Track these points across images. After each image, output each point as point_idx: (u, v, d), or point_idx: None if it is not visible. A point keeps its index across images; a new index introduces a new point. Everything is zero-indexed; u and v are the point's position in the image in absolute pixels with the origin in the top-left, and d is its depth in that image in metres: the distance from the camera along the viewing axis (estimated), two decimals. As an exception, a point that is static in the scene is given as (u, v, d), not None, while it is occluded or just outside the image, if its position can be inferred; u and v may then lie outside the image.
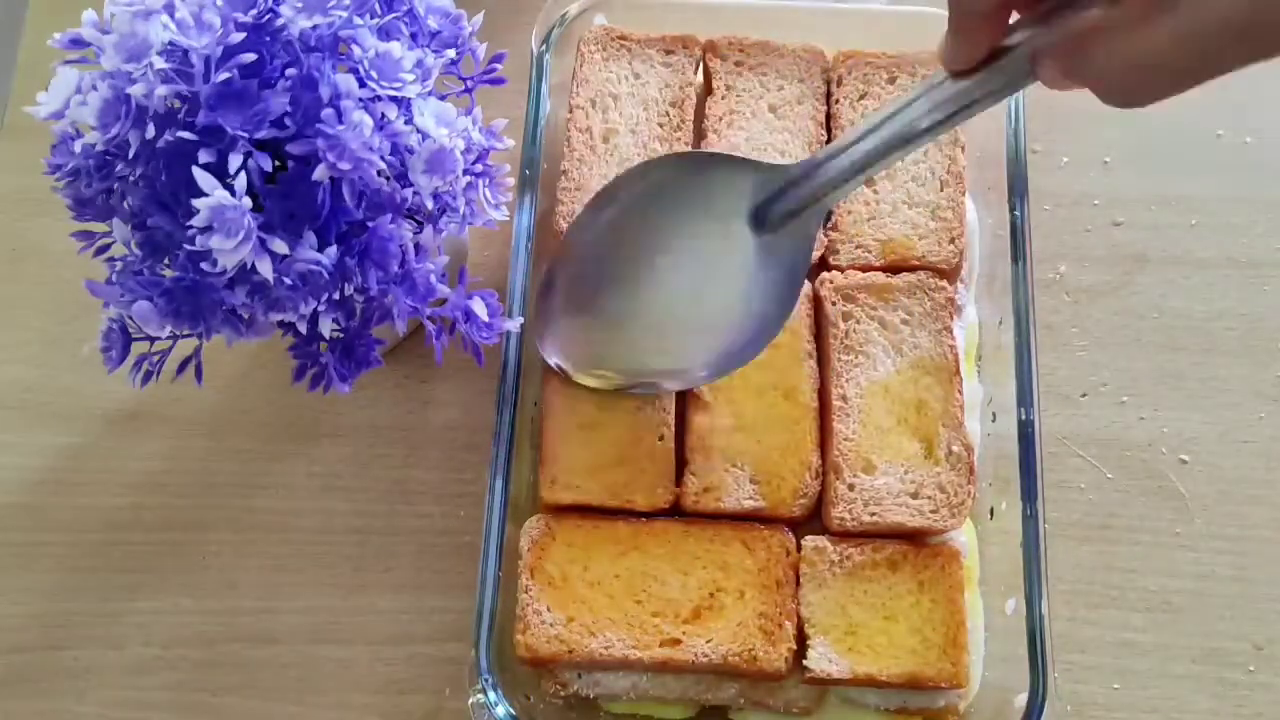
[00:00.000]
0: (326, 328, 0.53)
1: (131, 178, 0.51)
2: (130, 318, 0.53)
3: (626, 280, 0.60)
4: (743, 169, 0.56)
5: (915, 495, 0.61)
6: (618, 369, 0.62)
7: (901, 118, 0.49)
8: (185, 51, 0.48)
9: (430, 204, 0.54)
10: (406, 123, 0.52)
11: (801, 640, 0.60)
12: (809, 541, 0.62)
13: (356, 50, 0.51)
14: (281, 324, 0.54)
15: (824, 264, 0.67)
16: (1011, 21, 0.44)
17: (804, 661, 0.59)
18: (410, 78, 0.51)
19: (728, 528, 0.62)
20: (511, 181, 0.59)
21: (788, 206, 0.55)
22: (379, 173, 0.51)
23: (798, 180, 0.54)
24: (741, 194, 0.56)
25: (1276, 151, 0.77)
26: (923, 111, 0.48)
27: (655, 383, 0.62)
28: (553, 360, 0.63)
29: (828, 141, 0.69)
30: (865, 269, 0.66)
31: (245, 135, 0.48)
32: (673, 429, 0.63)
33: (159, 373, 0.56)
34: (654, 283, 0.59)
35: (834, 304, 0.65)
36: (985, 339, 0.67)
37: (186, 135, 0.48)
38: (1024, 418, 0.62)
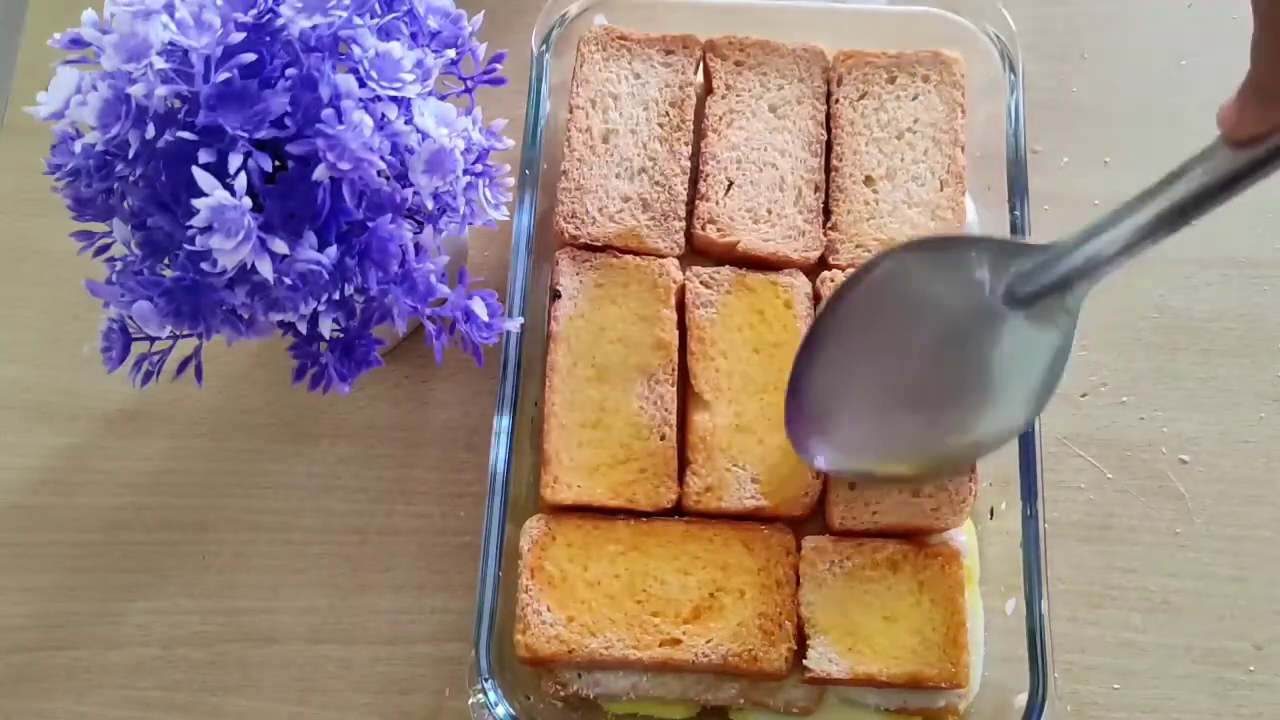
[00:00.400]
0: (326, 328, 0.53)
1: (131, 178, 0.51)
2: (130, 318, 0.52)
3: (894, 367, 0.58)
4: (994, 249, 0.56)
5: (916, 494, 0.61)
6: (915, 454, 0.60)
7: (1169, 193, 0.47)
8: (185, 51, 0.48)
9: (430, 204, 0.54)
10: (406, 123, 0.52)
11: (801, 640, 0.60)
12: (809, 541, 0.62)
13: (356, 50, 0.51)
14: (281, 324, 0.54)
15: (824, 264, 0.67)
16: None
17: (804, 661, 0.59)
18: (410, 78, 0.51)
19: (728, 527, 0.62)
20: (511, 181, 0.59)
21: (1046, 282, 0.54)
22: (379, 173, 0.51)
23: (1057, 259, 0.53)
24: (995, 272, 0.55)
25: (1276, 151, 0.77)
26: (1200, 181, 0.46)
27: (953, 459, 0.60)
28: (833, 462, 0.60)
29: (828, 142, 0.69)
30: (865, 269, 0.66)
31: (245, 135, 0.48)
32: (674, 428, 0.63)
33: (159, 373, 0.56)
34: (924, 365, 0.58)
35: (834, 304, 0.65)
36: (985, 339, 0.67)
37: (186, 135, 0.48)
38: (1024, 418, 0.62)
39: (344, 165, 0.49)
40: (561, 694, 0.61)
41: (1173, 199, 0.47)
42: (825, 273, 0.66)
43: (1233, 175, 0.44)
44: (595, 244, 0.66)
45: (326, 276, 0.51)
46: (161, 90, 0.47)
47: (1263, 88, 0.40)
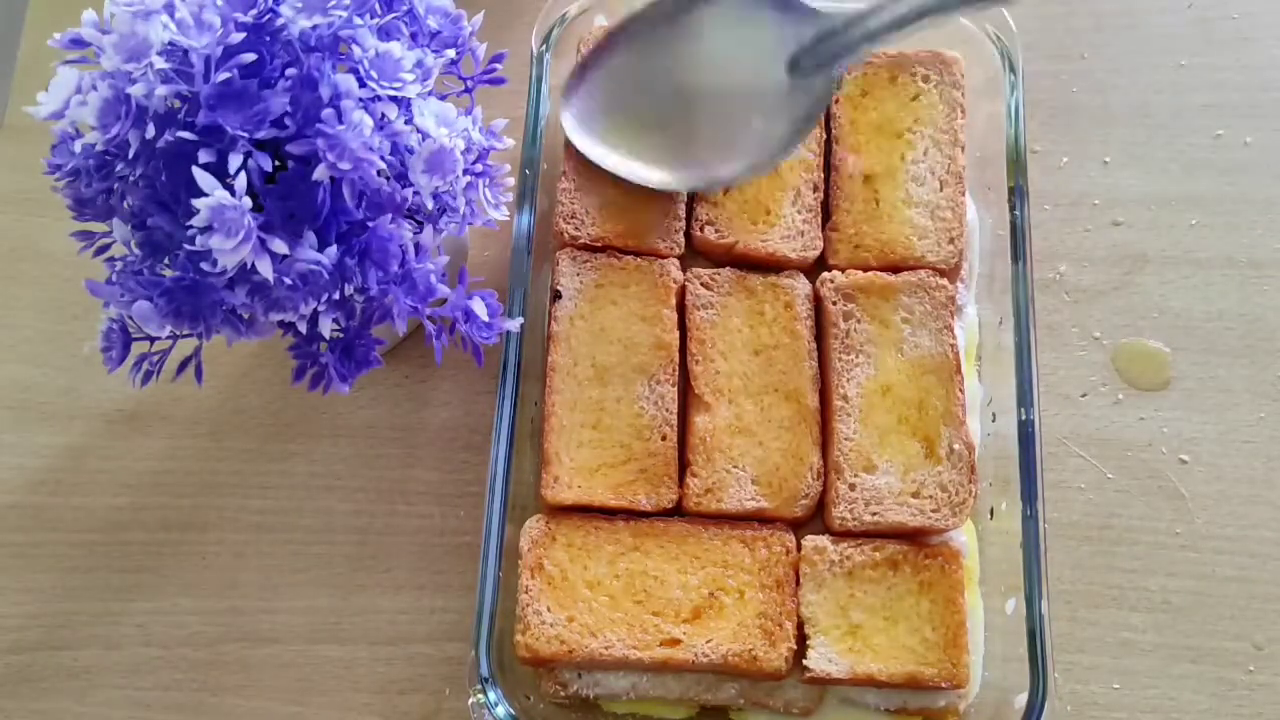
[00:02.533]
0: (326, 328, 0.53)
1: (131, 178, 0.51)
2: (130, 318, 0.53)
3: (663, 85, 0.65)
4: (792, 13, 0.61)
5: (916, 495, 0.61)
6: (633, 151, 0.65)
7: None
8: (185, 51, 0.48)
9: (430, 204, 0.54)
10: (406, 123, 0.52)
11: (801, 640, 0.60)
12: (809, 541, 0.62)
13: (356, 50, 0.51)
14: (281, 324, 0.54)
15: (824, 264, 0.67)
16: None
17: (804, 661, 0.59)
18: (410, 78, 0.51)
19: (728, 527, 0.62)
20: (511, 181, 0.59)
21: (825, 53, 0.60)
22: (379, 173, 0.51)
23: (837, 30, 0.59)
24: (785, 38, 0.61)
25: (1276, 151, 0.77)
26: None
27: (662, 175, 0.65)
28: (573, 123, 0.65)
29: (828, 141, 0.69)
30: (866, 269, 0.66)
31: (245, 135, 0.48)
32: (675, 429, 0.63)
33: (159, 373, 0.56)
34: (690, 94, 0.65)
35: (835, 304, 0.65)
36: (985, 339, 0.67)
37: (186, 135, 0.48)
38: (1024, 418, 0.62)
39: (344, 165, 0.49)
40: (561, 694, 0.61)
41: None
42: (826, 273, 0.66)
43: None
44: (595, 244, 0.66)
45: (326, 276, 0.51)
46: (161, 90, 0.47)
47: None
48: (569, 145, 0.66)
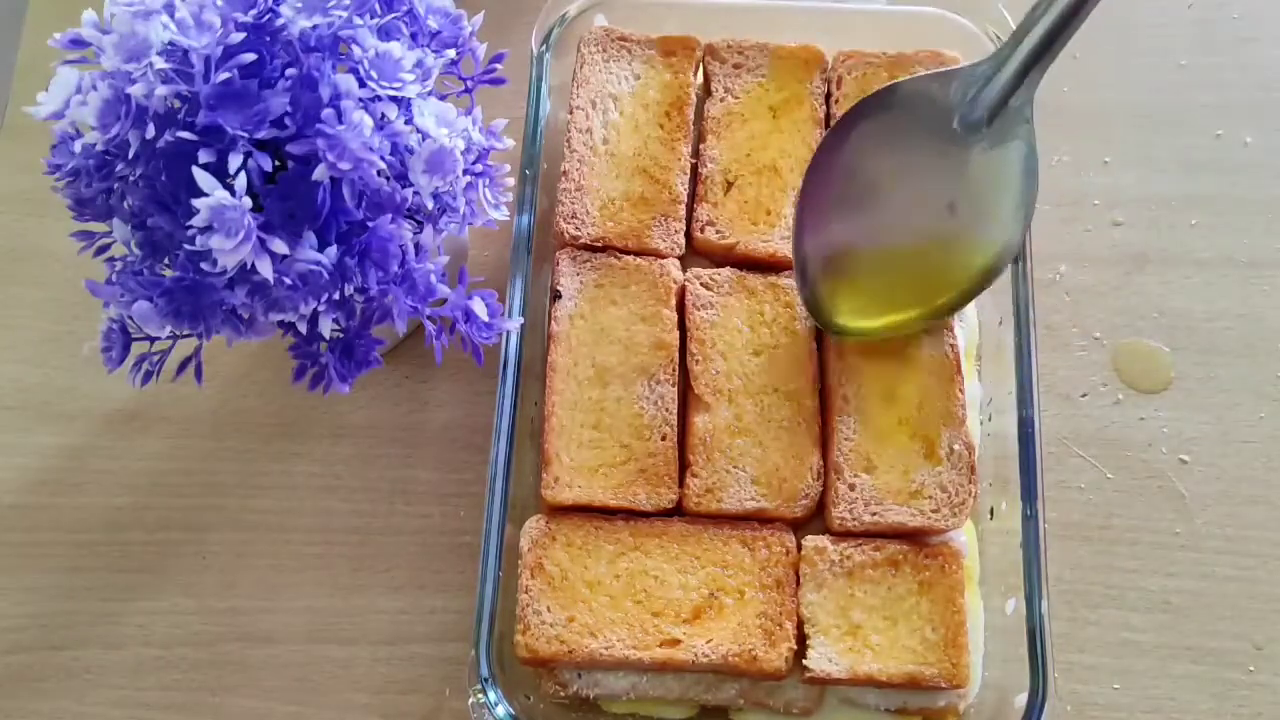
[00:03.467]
0: (326, 328, 0.53)
1: (131, 178, 0.51)
2: (130, 318, 0.53)
3: (876, 229, 0.62)
4: (936, 83, 0.59)
5: (916, 495, 0.61)
6: (910, 307, 0.63)
7: None
8: (185, 51, 0.48)
9: (430, 204, 0.54)
10: (406, 123, 0.52)
11: (801, 640, 0.60)
12: (809, 541, 0.62)
13: (356, 50, 0.51)
14: (281, 324, 0.54)
15: (824, 264, 0.67)
16: None
17: (804, 661, 0.59)
18: (410, 78, 0.51)
19: (728, 527, 0.62)
20: (511, 181, 0.59)
21: (991, 100, 0.58)
22: (379, 173, 0.51)
23: (992, 73, 0.57)
24: (944, 108, 0.59)
25: (1276, 151, 0.77)
26: None
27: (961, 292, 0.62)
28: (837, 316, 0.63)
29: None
30: (865, 269, 0.66)
31: (245, 135, 0.48)
32: (675, 429, 0.63)
33: (159, 373, 0.56)
34: (899, 220, 0.61)
35: (834, 304, 0.65)
36: (985, 339, 0.67)
37: (186, 135, 0.48)
38: (1024, 417, 0.62)
39: (344, 165, 0.49)
40: (561, 694, 0.61)
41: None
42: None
43: None
44: (595, 244, 0.66)
45: (326, 276, 0.51)
46: (161, 90, 0.47)
47: None
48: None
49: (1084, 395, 0.72)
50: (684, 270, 0.66)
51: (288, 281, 0.50)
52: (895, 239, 0.62)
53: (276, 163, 0.50)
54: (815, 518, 0.64)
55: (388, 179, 0.53)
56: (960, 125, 0.59)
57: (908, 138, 0.60)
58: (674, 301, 0.65)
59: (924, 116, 0.60)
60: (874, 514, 0.61)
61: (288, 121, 0.49)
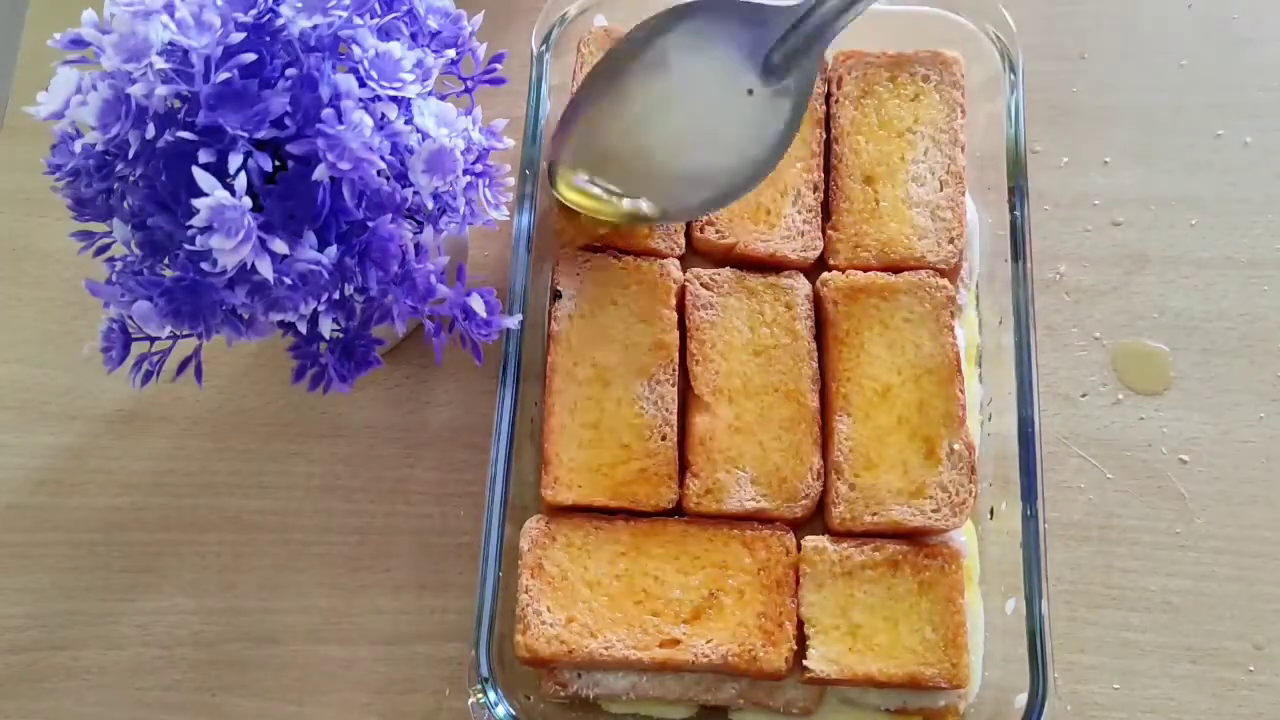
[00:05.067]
0: (326, 328, 0.53)
1: (131, 178, 0.51)
2: (130, 318, 0.53)
3: (641, 119, 0.63)
4: (749, 18, 0.61)
5: (916, 495, 0.61)
6: (616, 183, 0.64)
7: None
8: (185, 51, 0.48)
9: (430, 204, 0.54)
10: (406, 123, 0.52)
11: (801, 640, 0.60)
12: (809, 541, 0.62)
13: (356, 50, 0.51)
14: (281, 324, 0.54)
15: (824, 264, 0.67)
16: None
17: (804, 661, 0.59)
18: (410, 78, 0.51)
19: (728, 527, 0.62)
20: (511, 181, 0.59)
21: (795, 46, 0.60)
22: (379, 173, 0.51)
23: (801, 19, 0.60)
24: (753, 42, 0.61)
25: (1276, 151, 0.77)
26: None
27: (644, 211, 0.64)
28: (555, 160, 0.64)
29: (828, 141, 0.69)
30: (866, 269, 0.66)
31: (245, 135, 0.48)
32: (675, 429, 0.63)
33: (159, 373, 0.56)
34: (666, 124, 0.63)
35: (835, 304, 0.65)
36: (985, 339, 0.67)
37: (186, 135, 0.48)
38: (1024, 417, 0.62)
39: (344, 165, 0.49)
40: (561, 694, 0.61)
41: None
42: (826, 274, 0.66)
43: None
44: (595, 244, 0.66)
45: (326, 276, 0.51)
46: (161, 90, 0.47)
47: None
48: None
49: (1084, 395, 0.72)
50: (684, 270, 0.66)
51: (288, 281, 0.50)
52: (654, 136, 0.64)
53: (276, 163, 0.50)
54: (815, 518, 0.64)
55: (388, 179, 0.53)
56: (760, 68, 0.61)
57: (707, 58, 0.62)
58: (674, 301, 0.65)
59: (734, 40, 0.62)
60: (874, 514, 0.61)
61: (288, 121, 0.49)
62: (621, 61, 0.64)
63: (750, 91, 0.61)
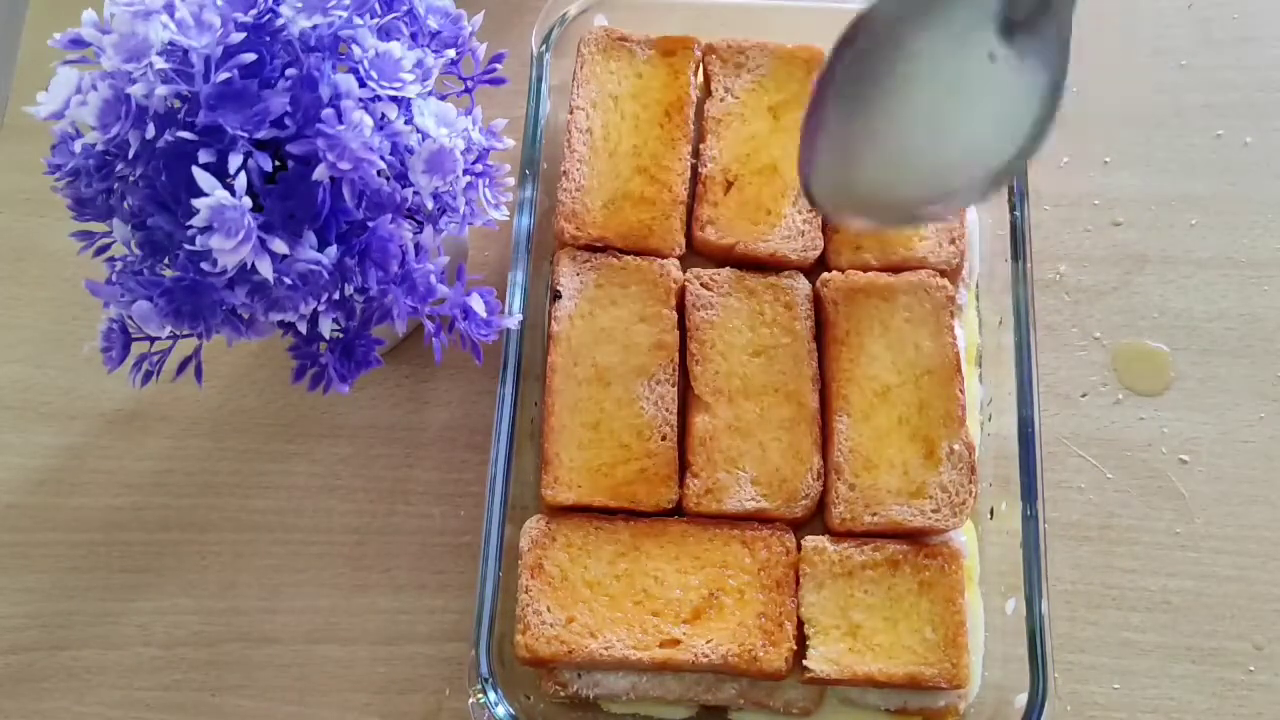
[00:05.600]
0: (326, 328, 0.53)
1: (131, 178, 0.51)
2: (130, 318, 0.52)
3: (891, 115, 0.56)
4: None
5: (917, 495, 0.61)
6: (894, 199, 0.58)
7: None
8: (185, 51, 0.48)
9: (430, 204, 0.54)
10: (406, 123, 0.52)
11: (801, 640, 0.60)
12: (809, 541, 0.62)
13: (356, 50, 0.51)
14: (281, 324, 0.54)
15: (823, 264, 0.67)
16: None
17: (804, 661, 0.59)
18: (410, 78, 0.51)
19: (728, 527, 0.62)
20: (511, 181, 0.59)
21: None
22: (379, 173, 0.51)
23: None
24: (981, 6, 0.53)
25: (1276, 151, 0.77)
26: None
27: (933, 209, 0.60)
28: (811, 187, 0.57)
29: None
30: (866, 269, 0.66)
31: (245, 135, 0.48)
32: (675, 429, 0.63)
33: (159, 373, 0.56)
34: (918, 112, 0.56)
35: (835, 304, 0.65)
36: (985, 339, 0.67)
37: (186, 135, 0.48)
38: (1024, 417, 0.62)
39: (344, 165, 0.49)
40: (561, 694, 0.61)
41: None
42: (826, 274, 0.66)
43: None
44: (595, 244, 0.66)
45: (326, 276, 0.51)
46: (161, 90, 0.47)
47: None
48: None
49: (1084, 395, 0.72)
50: (684, 270, 0.66)
51: (288, 281, 0.50)
52: (912, 133, 0.57)
53: (276, 163, 0.50)
54: (815, 518, 0.64)
55: (388, 179, 0.53)
56: (999, 28, 0.54)
57: (942, 30, 0.55)
58: (674, 301, 0.65)
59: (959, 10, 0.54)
60: (874, 514, 0.61)
61: (288, 121, 0.49)
62: (849, 69, 0.56)
63: (992, 57, 0.54)
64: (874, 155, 0.58)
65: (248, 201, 0.47)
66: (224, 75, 0.47)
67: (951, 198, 0.58)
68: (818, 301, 0.66)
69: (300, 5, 0.49)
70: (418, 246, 0.55)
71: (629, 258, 0.66)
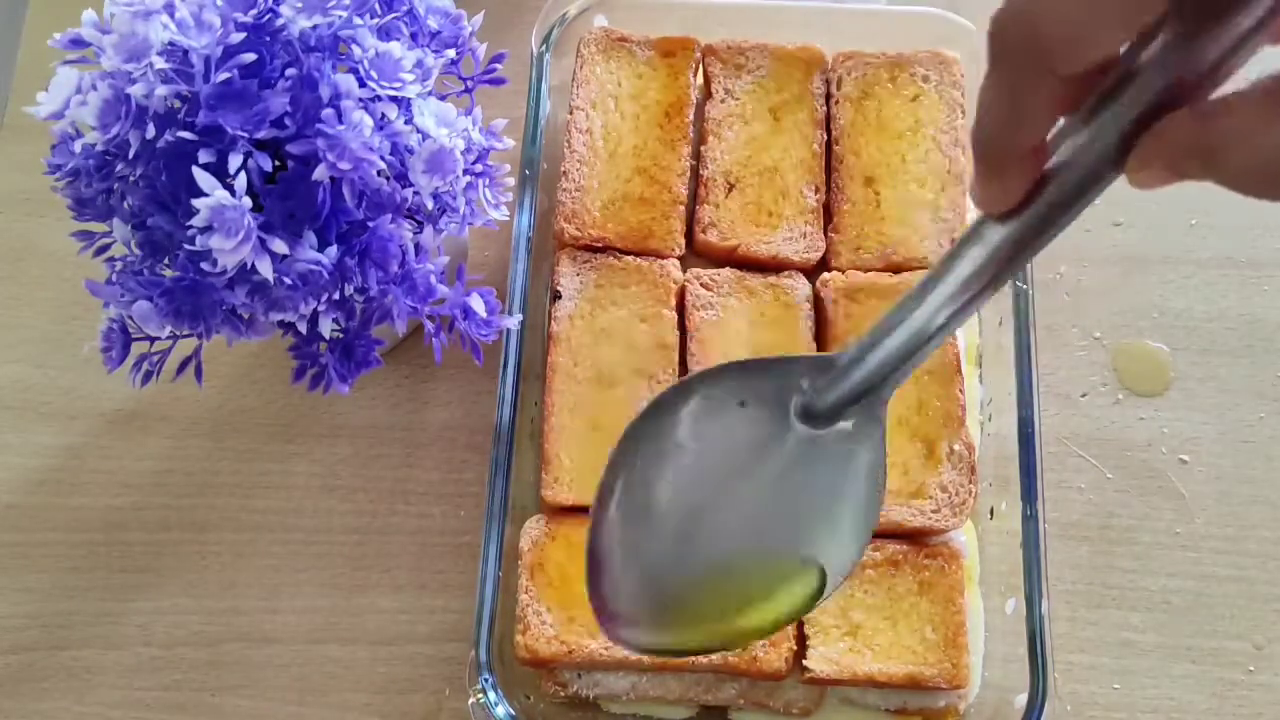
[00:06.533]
0: (326, 328, 0.53)
1: (131, 178, 0.51)
2: (130, 318, 0.53)
3: (682, 522, 0.46)
4: (787, 368, 0.45)
5: (916, 495, 0.61)
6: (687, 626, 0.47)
7: (949, 280, 0.38)
8: (185, 51, 0.48)
9: (430, 204, 0.54)
10: (406, 123, 0.52)
11: (801, 640, 0.60)
12: (809, 542, 0.61)
13: (356, 50, 0.51)
14: (281, 324, 0.54)
15: (824, 265, 0.67)
16: (1058, 130, 0.34)
17: (804, 661, 0.59)
18: (410, 78, 0.51)
19: (728, 528, 0.62)
20: (511, 181, 0.59)
21: (841, 395, 0.43)
22: (379, 173, 0.51)
23: (849, 367, 0.43)
24: (788, 391, 0.45)
25: (1276, 152, 0.77)
26: (979, 261, 0.37)
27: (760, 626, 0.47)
28: (611, 626, 0.46)
29: (828, 143, 0.69)
30: (866, 270, 0.66)
31: (245, 135, 0.48)
32: (673, 429, 0.63)
33: (159, 373, 0.56)
34: (715, 514, 0.46)
35: (835, 304, 0.65)
36: (985, 339, 0.67)
37: (186, 135, 0.48)
38: (1024, 418, 0.62)
39: (344, 165, 0.49)
40: (561, 694, 0.61)
41: (955, 282, 0.38)
42: (826, 274, 0.66)
43: (1012, 244, 0.36)
44: (595, 244, 0.66)
45: (326, 276, 0.51)
46: (161, 90, 0.47)
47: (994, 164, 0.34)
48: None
49: (1084, 395, 0.72)
50: (684, 271, 0.66)
51: (288, 281, 0.50)
52: (703, 538, 0.46)
53: (276, 163, 0.50)
54: (815, 518, 0.64)
55: (388, 179, 0.53)
56: (799, 415, 0.45)
57: (735, 422, 0.46)
58: (674, 302, 0.65)
59: (757, 397, 0.45)
60: (874, 514, 0.61)
61: (288, 121, 0.49)
62: (634, 459, 0.46)
63: (789, 438, 0.45)
64: (668, 580, 0.46)
65: (248, 201, 0.47)
66: (224, 75, 0.47)
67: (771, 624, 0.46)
68: (818, 301, 0.66)
69: (300, 5, 0.49)
70: (418, 246, 0.55)
71: (629, 258, 0.66)
